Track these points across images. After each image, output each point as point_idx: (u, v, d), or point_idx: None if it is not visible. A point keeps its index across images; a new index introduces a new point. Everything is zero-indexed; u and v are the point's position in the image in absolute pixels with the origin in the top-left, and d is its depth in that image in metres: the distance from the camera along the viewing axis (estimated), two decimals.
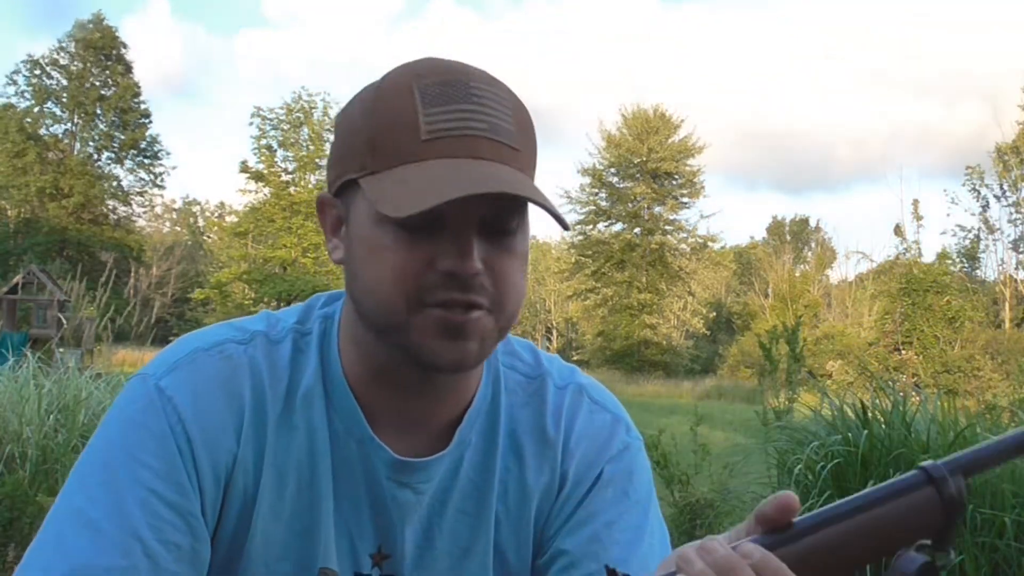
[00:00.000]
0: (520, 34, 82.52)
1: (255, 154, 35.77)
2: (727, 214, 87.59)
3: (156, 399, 0.89)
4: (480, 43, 75.58)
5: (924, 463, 0.71)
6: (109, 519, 0.84)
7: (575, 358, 38.83)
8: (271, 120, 35.75)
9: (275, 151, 35.85)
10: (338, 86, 74.14)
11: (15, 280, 19.28)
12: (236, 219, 38.43)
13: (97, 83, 37.56)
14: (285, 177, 35.98)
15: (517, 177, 0.84)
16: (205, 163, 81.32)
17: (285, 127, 35.73)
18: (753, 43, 75.74)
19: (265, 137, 35.74)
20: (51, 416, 5.07)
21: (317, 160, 35.86)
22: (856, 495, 0.70)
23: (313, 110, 35.78)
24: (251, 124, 35.91)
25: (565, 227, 0.87)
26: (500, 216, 0.86)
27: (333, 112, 35.92)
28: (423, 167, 0.83)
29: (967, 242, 38.59)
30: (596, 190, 40.75)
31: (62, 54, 37.30)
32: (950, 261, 36.10)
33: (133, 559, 0.83)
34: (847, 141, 70.19)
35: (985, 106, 61.67)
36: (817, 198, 75.83)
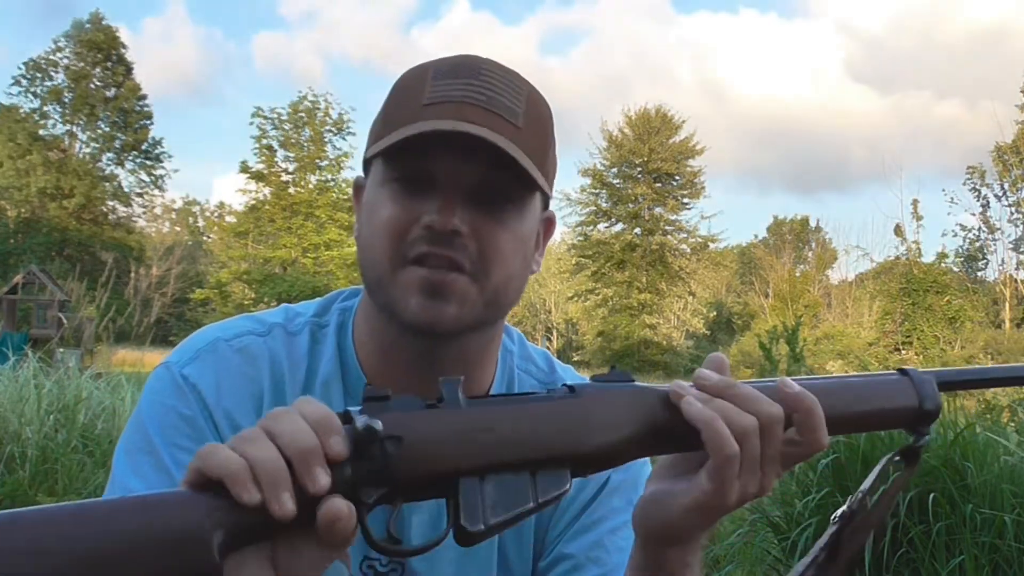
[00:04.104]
0: (533, 36, 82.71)
1: (255, 154, 35.82)
2: (735, 214, 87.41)
3: (183, 385, 0.93)
4: (493, 45, 75.71)
5: (908, 370, 0.82)
6: None
7: (575, 358, 38.83)
8: (271, 120, 35.79)
9: (275, 151, 35.88)
10: (350, 87, 74.37)
11: (15, 280, 19.30)
12: (236, 219, 38.44)
13: (99, 83, 37.54)
14: (285, 177, 35.99)
15: (502, 142, 0.85)
16: (216, 163, 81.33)
17: (287, 127, 35.75)
18: (764, 44, 75.86)
19: (266, 137, 35.78)
20: (51, 416, 5.07)
21: (317, 160, 35.88)
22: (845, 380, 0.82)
23: (316, 111, 35.81)
24: (251, 124, 35.98)
25: (546, 196, 0.91)
26: (491, 184, 0.87)
27: (334, 113, 36.01)
28: (414, 126, 0.86)
29: (967, 243, 38.59)
30: (597, 190, 40.76)
31: (60, 54, 37.31)
32: (948, 260, 36.09)
33: None
34: (857, 142, 70.24)
35: (987, 106, 61.73)
36: (828, 199, 75.83)
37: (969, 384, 0.87)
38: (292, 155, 35.88)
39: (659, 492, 0.78)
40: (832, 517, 0.80)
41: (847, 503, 0.79)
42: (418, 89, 0.89)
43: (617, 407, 0.74)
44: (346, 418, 0.67)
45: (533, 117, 0.90)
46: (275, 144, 35.83)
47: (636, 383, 0.76)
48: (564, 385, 0.75)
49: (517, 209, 0.90)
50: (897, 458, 0.81)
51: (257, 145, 35.67)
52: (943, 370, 0.84)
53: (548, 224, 1.00)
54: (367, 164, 0.95)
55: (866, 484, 0.79)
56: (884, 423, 0.81)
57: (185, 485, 0.63)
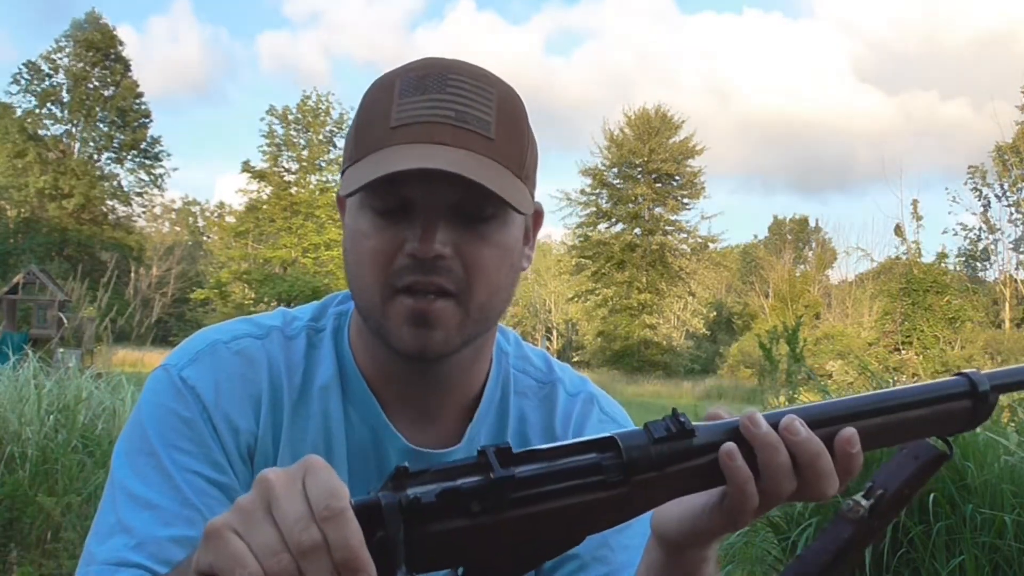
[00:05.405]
0: (538, 36, 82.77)
1: (262, 152, 35.95)
2: (740, 214, 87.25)
3: (181, 388, 0.93)
4: (498, 45, 75.74)
5: (969, 373, 0.77)
6: (167, 498, 0.87)
7: (575, 359, 38.83)
8: (280, 118, 35.90)
9: (281, 151, 36.00)
10: (354, 88, 74.34)
11: (15, 280, 19.31)
12: (235, 219, 38.50)
13: (97, 83, 37.54)
14: (288, 177, 36.04)
15: (475, 162, 0.85)
16: (219, 163, 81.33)
17: (297, 128, 35.88)
18: (769, 44, 75.83)
19: (274, 136, 35.89)
20: (51, 416, 5.06)
21: (319, 161, 35.92)
22: (901, 390, 0.76)
23: (319, 111, 35.90)
24: (262, 120, 36.18)
25: (519, 212, 0.88)
26: (471, 202, 0.86)
27: (335, 113, 36.08)
28: (386, 152, 0.85)
29: (968, 242, 38.58)
30: (597, 191, 40.76)
31: (60, 54, 37.32)
32: (949, 260, 36.07)
33: (197, 529, 0.84)
34: (863, 142, 70.23)
35: (987, 105, 61.76)
36: (833, 199, 75.89)
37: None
38: (294, 155, 35.96)
39: (676, 504, 0.78)
40: (841, 513, 0.77)
41: (862, 503, 0.76)
42: (386, 107, 0.87)
43: (670, 491, 0.70)
44: (373, 508, 0.63)
45: (506, 120, 0.89)
46: (281, 143, 35.98)
47: (696, 435, 0.70)
48: (613, 441, 0.69)
49: (499, 220, 0.89)
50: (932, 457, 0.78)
51: (268, 143, 35.83)
52: (1001, 373, 0.79)
53: (536, 216, 1.00)
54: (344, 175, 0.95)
55: (892, 486, 0.76)
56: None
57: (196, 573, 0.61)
